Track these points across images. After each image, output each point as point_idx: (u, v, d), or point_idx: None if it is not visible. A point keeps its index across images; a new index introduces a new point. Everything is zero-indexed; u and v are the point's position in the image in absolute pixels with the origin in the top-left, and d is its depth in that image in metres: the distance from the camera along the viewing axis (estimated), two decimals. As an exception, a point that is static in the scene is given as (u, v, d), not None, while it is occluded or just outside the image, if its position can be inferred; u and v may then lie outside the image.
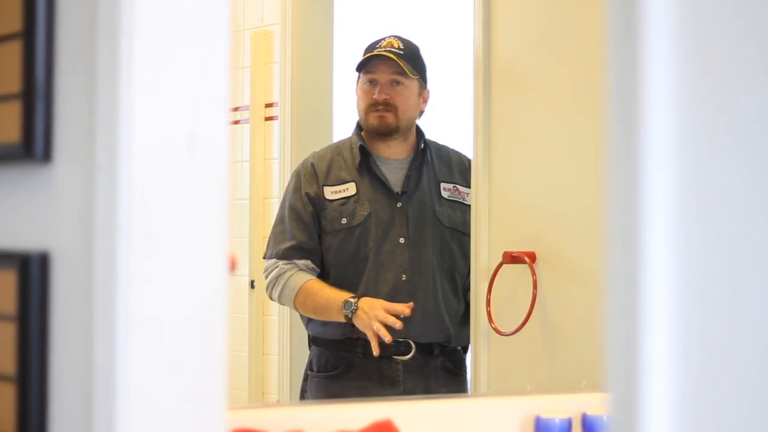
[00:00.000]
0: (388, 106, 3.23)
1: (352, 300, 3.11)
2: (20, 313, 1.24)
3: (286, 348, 4.15)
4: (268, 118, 4.45)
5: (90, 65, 1.20)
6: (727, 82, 0.87)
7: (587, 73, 2.73)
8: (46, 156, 1.25)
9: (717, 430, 0.86)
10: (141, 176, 1.18)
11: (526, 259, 2.85)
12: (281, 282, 3.20)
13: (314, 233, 3.22)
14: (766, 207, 0.85)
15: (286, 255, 3.21)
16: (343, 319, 3.12)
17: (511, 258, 2.89)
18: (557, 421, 2.09)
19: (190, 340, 1.21)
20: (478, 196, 2.99)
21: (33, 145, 1.25)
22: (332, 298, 3.15)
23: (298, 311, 3.28)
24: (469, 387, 3.28)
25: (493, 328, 2.91)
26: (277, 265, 3.22)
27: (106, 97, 1.18)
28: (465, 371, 3.30)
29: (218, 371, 1.23)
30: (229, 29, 1.24)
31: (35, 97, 1.25)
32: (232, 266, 3.57)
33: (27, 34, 1.26)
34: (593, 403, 2.14)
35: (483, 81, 2.97)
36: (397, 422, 1.92)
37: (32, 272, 1.24)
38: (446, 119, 4.88)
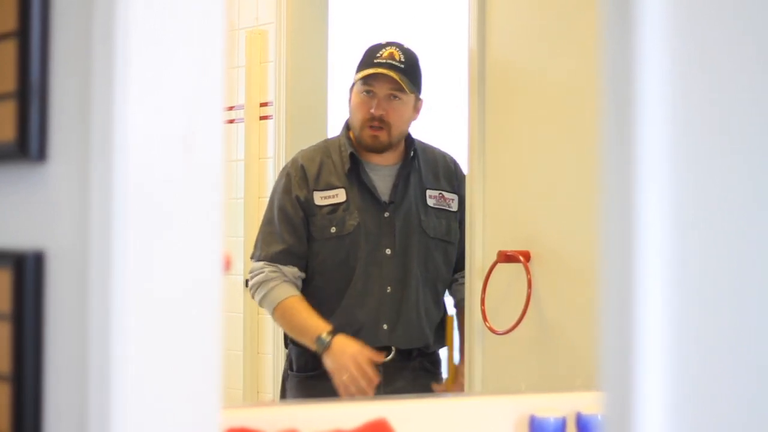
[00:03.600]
0: (383, 122, 3.21)
1: (324, 337, 3.09)
2: (15, 312, 1.24)
3: (281, 347, 4.15)
4: (262, 118, 4.45)
5: (85, 64, 1.20)
6: (723, 80, 0.87)
7: (582, 72, 2.73)
8: (41, 155, 1.25)
9: (712, 429, 0.86)
10: (136, 175, 1.18)
11: (521, 258, 2.86)
12: (264, 290, 3.18)
13: (304, 237, 3.20)
14: (762, 206, 0.85)
15: (275, 259, 3.19)
16: (310, 347, 3.13)
17: (506, 257, 2.89)
18: (552, 420, 2.09)
19: (185, 339, 1.21)
20: (472, 195, 2.99)
21: (28, 144, 1.25)
22: (307, 326, 3.14)
23: (277, 323, 3.29)
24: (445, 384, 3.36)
25: (487, 327, 2.91)
26: (263, 270, 3.19)
27: (101, 97, 1.18)
28: (440, 370, 3.34)
29: (213, 370, 1.23)
30: (224, 29, 1.24)
31: (30, 96, 1.25)
32: (227, 265, 3.56)
33: (22, 33, 1.25)
34: (588, 402, 2.14)
35: (478, 80, 2.97)
36: (392, 421, 1.92)
37: (27, 271, 1.24)
38: (441, 119, 4.89)
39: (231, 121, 4.50)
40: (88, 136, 1.19)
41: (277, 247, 3.20)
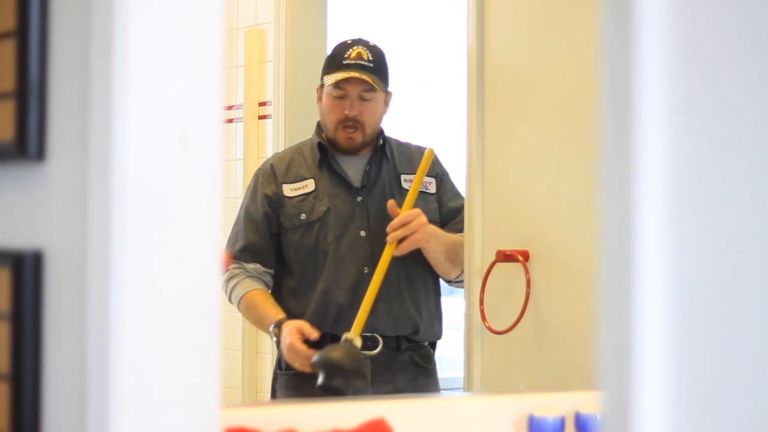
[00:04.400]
0: (357, 122, 3.26)
1: (272, 330, 3.16)
2: (14, 312, 1.24)
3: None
4: (261, 117, 4.45)
5: (84, 63, 1.20)
6: (722, 80, 0.87)
7: (581, 71, 2.73)
8: (40, 154, 1.25)
9: (710, 428, 0.86)
10: (135, 174, 1.18)
11: (520, 257, 2.86)
12: (229, 287, 3.26)
13: (266, 234, 3.26)
14: (760, 205, 0.85)
15: (238, 256, 3.27)
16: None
17: (505, 256, 2.89)
18: (550, 419, 2.09)
19: (183, 339, 1.21)
20: (471, 194, 2.99)
21: (27, 144, 1.25)
22: (263, 319, 3.22)
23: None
24: (439, 380, 3.35)
25: (486, 326, 2.91)
26: (228, 269, 3.26)
27: (99, 96, 1.18)
28: (434, 365, 3.34)
29: (212, 369, 1.23)
30: (222, 27, 1.24)
31: (29, 96, 1.25)
32: (226, 264, 3.56)
33: (21, 33, 1.25)
34: (586, 402, 2.14)
35: (477, 80, 2.97)
36: (390, 421, 1.92)
37: (26, 271, 1.24)
38: (440, 118, 4.89)
39: (230, 121, 4.50)
40: (86, 135, 1.19)
41: (240, 245, 3.27)
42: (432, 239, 3.17)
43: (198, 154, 1.22)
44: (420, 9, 5.07)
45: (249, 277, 3.25)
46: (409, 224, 3.12)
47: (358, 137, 3.27)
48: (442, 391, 3.54)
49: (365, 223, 3.24)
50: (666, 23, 0.88)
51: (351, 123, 3.25)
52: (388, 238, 3.12)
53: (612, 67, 0.90)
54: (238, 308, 3.27)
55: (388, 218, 3.22)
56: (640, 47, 0.88)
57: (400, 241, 3.12)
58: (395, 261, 3.19)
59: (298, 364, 3.10)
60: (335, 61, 3.29)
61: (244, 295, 3.23)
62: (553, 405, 2.12)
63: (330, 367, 2.94)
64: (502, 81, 2.96)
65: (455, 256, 3.20)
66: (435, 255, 3.22)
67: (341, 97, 3.26)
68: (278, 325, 3.15)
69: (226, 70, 1.27)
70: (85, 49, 1.20)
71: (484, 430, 2.13)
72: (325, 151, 3.28)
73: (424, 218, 3.14)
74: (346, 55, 3.28)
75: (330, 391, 2.90)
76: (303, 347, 3.08)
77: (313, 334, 3.11)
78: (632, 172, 0.88)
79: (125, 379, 1.17)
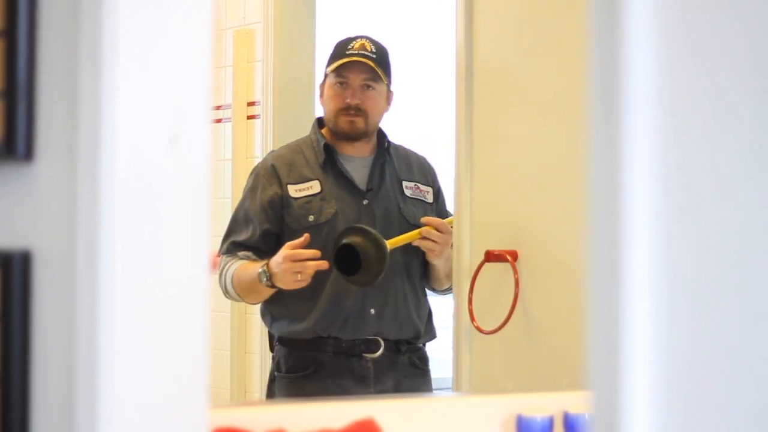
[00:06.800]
0: (359, 111, 3.24)
1: (261, 270, 3.06)
2: (2, 313, 1.24)
3: (268, 346, 4.15)
4: (250, 117, 4.45)
5: (72, 63, 1.20)
6: (713, 77, 0.87)
7: (569, 72, 2.73)
8: (28, 155, 1.25)
9: (699, 427, 0.86)
10: (123, 175, 1.18)
11: (508, 257, 2.86)
12: (223, 277, 3.17)
13: (258, 233, 3.18)
14: (752, 203, 0.85)
15: (229, 249, 3.20)
16: (271, 291, 3.09)
17: (493, 256, 2.90)
18: (539, 419, 2.09)
19: (172, 339, 1.21)
20: (460, 194, 2.99)
21: (15, 144, 1.25)
22: (250, 273, 3.10)
23: (247, 302, 3.26)
24: (432, 380, 3.36)
25: (475, 326, 2.92)
26: (221, 262, 3.19)
27: (88, 96, 1.18)
28: (428, 366, 3.34)
29: (200, 370, 1.23)
30: (211, 28, 1.24)
31: (17, 96, 1.25)
32: (214, 265, 3.52)
33: (9, 32, 1.25)
34: (575, 402, 2.14)
35: (465, 78, 2.97)
36: (379, 421, 1.92)
37: (14, 271, 1.23)
38: (428, 117, 4.89)
39: (218, 121, 4.49)
40: (75, 135, 1.19)
41: (231, 239, 3.20)
42: (444, 259, 3.22)
43: (187, 155, 1.22)
44: (409, 8, 5.08)
45: (240, 260, 3.16)
46: (445, 236, 3.17)
47: (359, 122, 3.23)
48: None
49: (372, 226, 3.20)
50: (655, 20, 0.88)
51: (353, 111, 3.23)
52: (424, 230, 3.16)
53: (600, 65, 0.90)
54: (236, 290, 3.15)
55: (394, 223, 3.23)
56: (629, 45, 0.88)
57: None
58: (400, 267, 3.21)
59: (310, 266, 3.02)
60: (338, 52, 3.29)
61: (234, 271, 3.14)
62: (542, 405, 2.13)
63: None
64: (490, 79, 2.96)
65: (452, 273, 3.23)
66: (439, 271, 3.26)
67: (343, 86, 3.24)
68: (266, 263, 3.06)
69: (215, 70, 1.27)
70: (74, 49, 1.20)
71: (473, 430, 2.13)
72: (331, 152, 3.27)
73: (451, 238, 3.16)
74: (349, 47, 3.28)
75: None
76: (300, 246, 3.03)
77: (304, 243, 3.04)
78: (621, 172, 0.88)
79: (114, 379, 1.17)
